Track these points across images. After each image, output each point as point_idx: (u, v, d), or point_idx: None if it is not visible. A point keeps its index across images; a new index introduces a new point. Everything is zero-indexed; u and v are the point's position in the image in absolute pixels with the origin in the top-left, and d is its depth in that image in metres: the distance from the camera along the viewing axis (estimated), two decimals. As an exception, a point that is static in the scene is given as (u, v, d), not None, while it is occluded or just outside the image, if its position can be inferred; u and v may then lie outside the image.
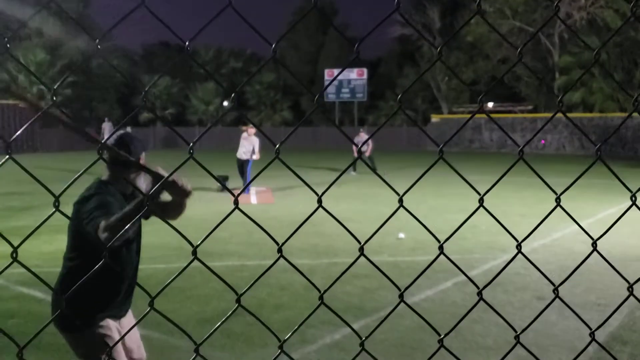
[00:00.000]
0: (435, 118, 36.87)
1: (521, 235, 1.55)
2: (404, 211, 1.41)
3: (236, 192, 1.34)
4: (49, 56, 36.64)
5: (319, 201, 1.34)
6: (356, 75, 39.23)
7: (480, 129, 34.37)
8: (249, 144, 14.37)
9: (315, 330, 4.82)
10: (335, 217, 1.39)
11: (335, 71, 38.75)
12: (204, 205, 11.23)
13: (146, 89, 1.59)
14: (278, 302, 5.48)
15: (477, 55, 39.49)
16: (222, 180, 14.95)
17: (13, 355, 1.63)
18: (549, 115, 29.38)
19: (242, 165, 14.51)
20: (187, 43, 1.40)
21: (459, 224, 1.50)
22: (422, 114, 42.76)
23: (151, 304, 1.37)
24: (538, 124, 32.15)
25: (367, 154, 19.21)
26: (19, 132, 1.64)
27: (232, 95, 1.40)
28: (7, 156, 1.17)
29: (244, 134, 14.61)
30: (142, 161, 2.74)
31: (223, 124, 44.18)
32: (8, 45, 1.13)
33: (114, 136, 2.97)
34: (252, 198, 13.22)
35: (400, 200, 1.39)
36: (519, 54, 1.49)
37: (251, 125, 14.66)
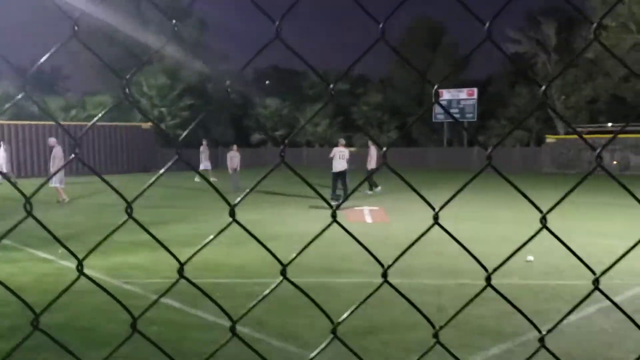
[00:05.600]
0: (550, 139, 35.02)
1: None
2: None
3: (344, 209, 1.31)
4: (170, 80, 39.01)
5: (435, 217, 1.26)
6: (466, 95, 38.04)
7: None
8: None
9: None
10: (455, 238, 1.29)
11: (445, 91, 37.95)
12: (321, 222, 11.30)
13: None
14: (412, 322, 5.30)
15: (597, 72, 37.27)
16: (334, 197, 15.09)
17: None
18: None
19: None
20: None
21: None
22: (536, 135, 40.90)
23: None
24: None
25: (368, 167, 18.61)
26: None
27: (330, 86, 1.23)
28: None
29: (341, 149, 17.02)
30: None
31: (330, 144, 44.83)
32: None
33: None
34: (367, 217, 13.15)
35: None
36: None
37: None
